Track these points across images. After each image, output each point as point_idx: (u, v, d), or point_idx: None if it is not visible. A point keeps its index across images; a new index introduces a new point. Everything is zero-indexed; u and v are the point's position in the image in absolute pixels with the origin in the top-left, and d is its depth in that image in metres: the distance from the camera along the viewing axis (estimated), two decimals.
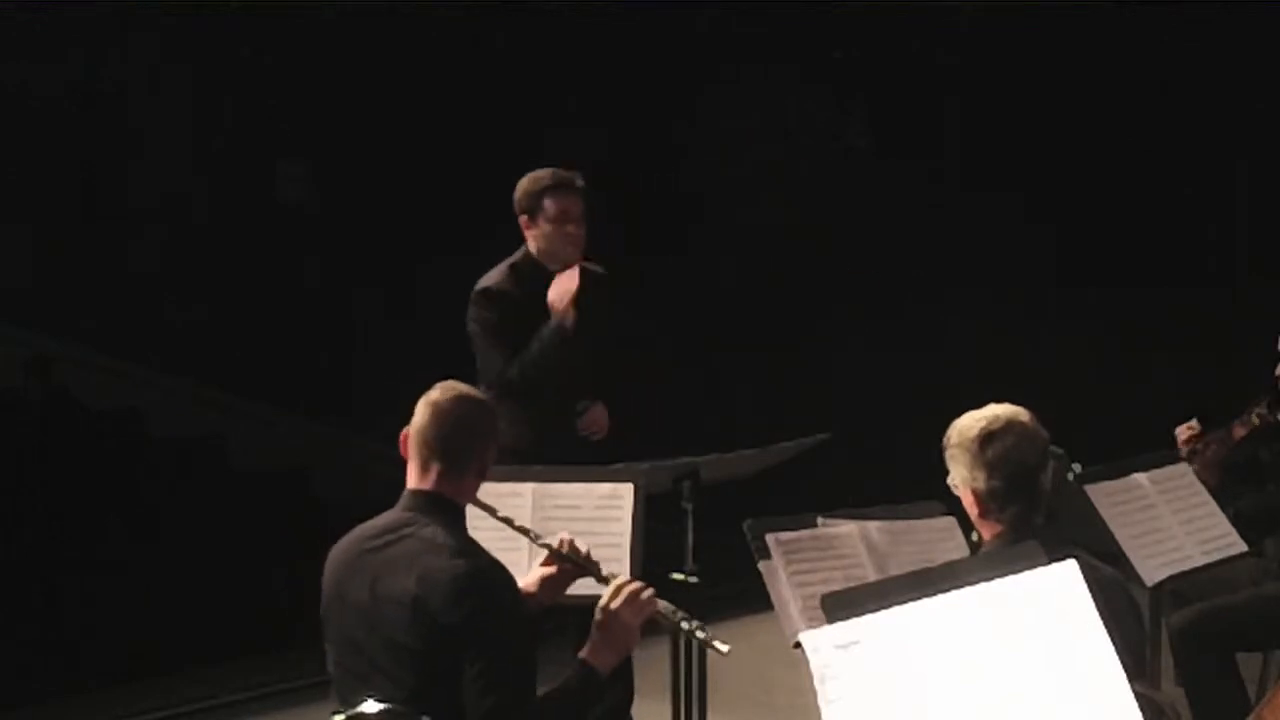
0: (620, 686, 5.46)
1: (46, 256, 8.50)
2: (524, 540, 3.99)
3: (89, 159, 8.59)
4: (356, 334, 8.78)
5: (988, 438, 3.61)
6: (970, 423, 3.65)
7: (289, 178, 9.25)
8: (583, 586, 3.80)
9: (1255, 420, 5.60)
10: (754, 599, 4.44)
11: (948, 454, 3.67)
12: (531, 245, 5.47)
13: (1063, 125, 9.39)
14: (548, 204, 5.39)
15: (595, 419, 5.56)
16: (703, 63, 9.42)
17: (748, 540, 4.27)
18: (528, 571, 4.00)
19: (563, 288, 5.31)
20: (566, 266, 5.40)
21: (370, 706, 3.51)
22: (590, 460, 4.94)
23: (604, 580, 3.80)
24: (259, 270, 8.75)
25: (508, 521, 3.88)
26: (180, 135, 8.76)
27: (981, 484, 3.61)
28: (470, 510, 3.81)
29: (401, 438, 3.74)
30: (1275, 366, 5.53)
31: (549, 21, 9.07)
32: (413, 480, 3.71)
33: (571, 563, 3.91)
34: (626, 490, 4.50)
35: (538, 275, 5.42)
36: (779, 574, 4.22)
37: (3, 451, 7.81)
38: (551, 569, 3.94)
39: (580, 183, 5.47)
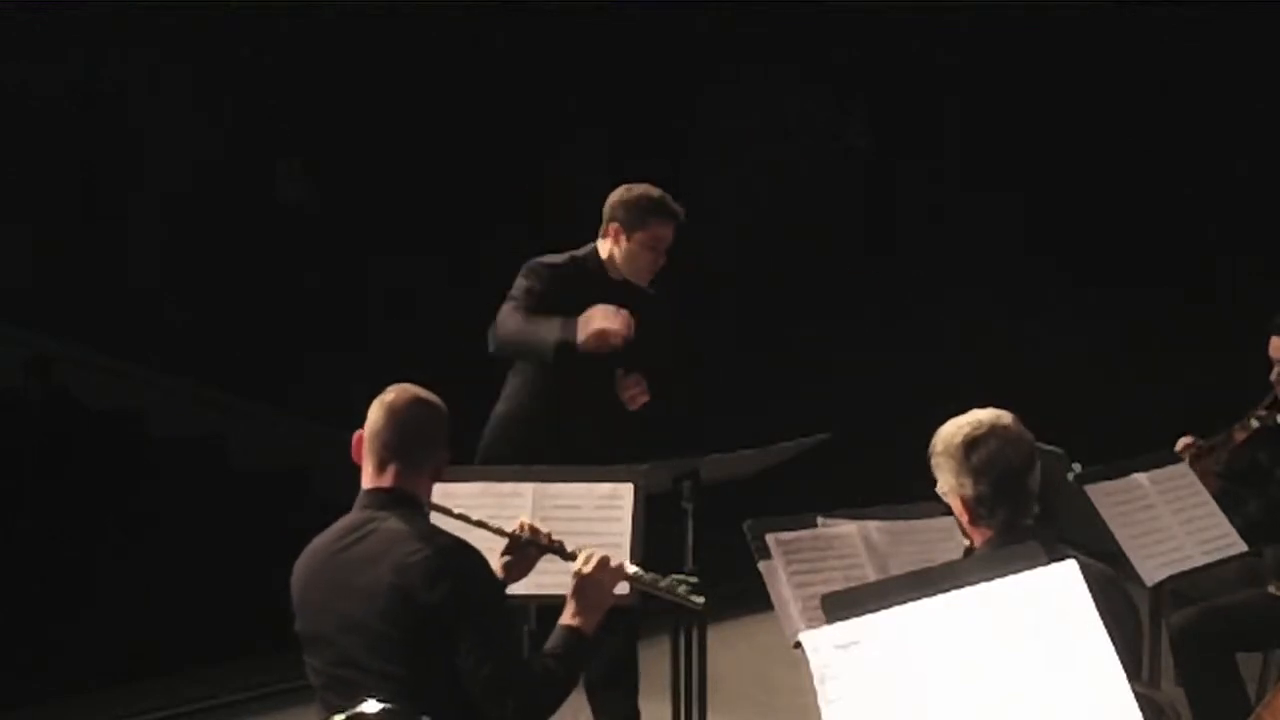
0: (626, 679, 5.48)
1: (46, 256, 8.50)
2: (488, 533, 3.98)
3: (89, 159, 8.59)
4: (356, 334, 8.78)
5: (971, 444, 3.61)
6: (953, 430, 3.65)
7: (289, 178, 9.25)
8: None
9: (1255, 423, 5.60)
10: (754, 599, 4.45)
11: (933, 462, 3.67)
12: (604, 250, 5.38)
13: (1063, 125, 9.39)
14: (653, 225, 5.33)
15: (633, 387, 5.40)
16: (703, 63, 9.42)
17: (748, 540, 4.28)
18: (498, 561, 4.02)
19: (606, 329, 5.10)
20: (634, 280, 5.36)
21: (370, 706, 3.51)
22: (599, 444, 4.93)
23: (569, 557, 3.88)
24: (259, 270, 8.75)
25: (464, 517, 3.90)
26: (180, 135, 8.76)
27: (969, 490, 3.61)
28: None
29: (355, 440, 3.76)
30: (1270, 370, 5.54)
31: (549, 21, 9.07)
32: (369, 480, 3.74)
33: (534, 545, 3.97)
34: (626, 490, 4.50)
35: (594, 275, 5.36)
36: (779, 574, 4.23)
37: (3, 451, 7.81)
38: (511, 556, 3.98)
39: (682, 214, 5.40)
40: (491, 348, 5.33)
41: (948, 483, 3.65)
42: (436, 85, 8.94)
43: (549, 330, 5.16)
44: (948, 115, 9.76)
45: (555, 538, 3.97)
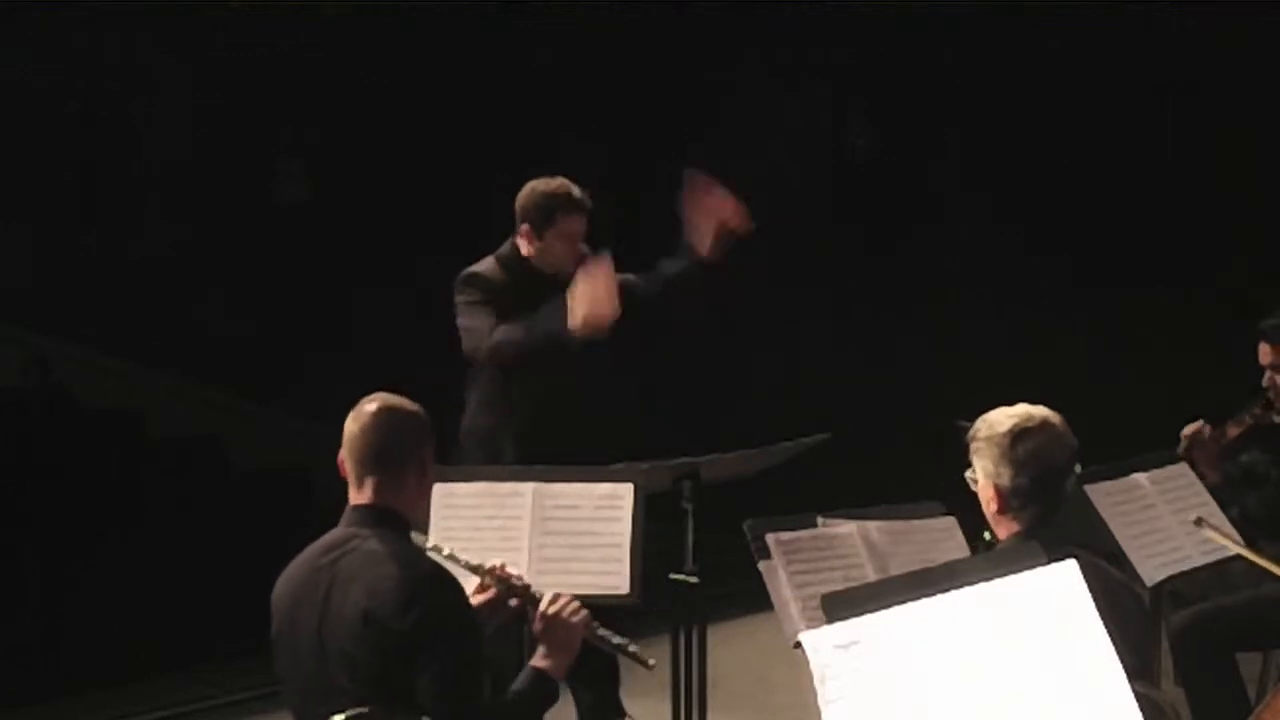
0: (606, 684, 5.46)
1: (46, 256, 8.50)
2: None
3: (89, 159, 8.59)
4: (356, 333, 8.78)
5: (1020, 434, 3.59)
6: (1002, 418, 3.63)
7: (288, 177, 9.26)
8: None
9: (1249, 420, 5.61)
10: (754, 599, 4.44)
11: (973, 447, 3.64)
12: (525, 249, 5.37)
13: (1063, 125, 9.39)
14: (560, 221, 5.30)
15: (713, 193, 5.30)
16: (703, 63, 9.42)
17: (748, 540, 4.28)
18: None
19: (594, 314, 5.06)
20: (560, 272, 5.31)
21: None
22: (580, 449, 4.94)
23: (534, 601, 3.84)
24: (259, 270, 8.76)
25: (436, 549, 3.86)
26: (180, 135, 8.77)
27: (1006, 480, 3.59)
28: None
29: (339, 460, 3.71)
30: (1263, 374, 5.55)
31: (548, 21, 9.07)
32: (352, 497, 3.70)
33: (503, 585, 3.92)
34: (626, 490, 4.50)
35: (525, 272, 5.35)
36: (779, 574, 4.23)
37: (3, 451, 7.81)
38: (486, 595, 3.93)
39: (589, 201, 5.39)
40: (482, 357, 5.24)
41: (985, 469, 3.62)
42: (434, 85, 8.94)
43: (537, 332, 5.13)
44: (948, 115, 9.76)
45: (522, 581, 3.92)
